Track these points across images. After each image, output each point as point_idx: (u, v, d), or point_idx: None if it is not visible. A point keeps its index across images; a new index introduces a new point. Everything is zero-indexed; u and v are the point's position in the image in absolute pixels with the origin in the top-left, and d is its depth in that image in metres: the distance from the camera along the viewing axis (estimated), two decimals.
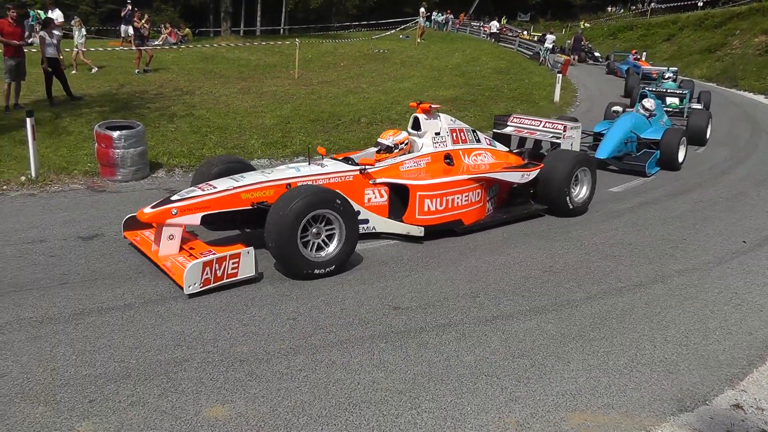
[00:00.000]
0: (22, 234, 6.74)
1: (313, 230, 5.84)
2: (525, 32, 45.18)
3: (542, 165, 8.31)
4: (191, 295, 5.26)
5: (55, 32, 13.44)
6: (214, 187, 6.10)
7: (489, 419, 3.87)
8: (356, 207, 6.47)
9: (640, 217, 8.58)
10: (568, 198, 8.17)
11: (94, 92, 15.04)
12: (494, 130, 10.12)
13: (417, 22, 36.31)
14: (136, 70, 18.04)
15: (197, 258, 5.50)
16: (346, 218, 5.94)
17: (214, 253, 5.55)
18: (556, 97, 20.48)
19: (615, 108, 14.23)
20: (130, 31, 23.13)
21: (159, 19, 36.43)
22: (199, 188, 6.14)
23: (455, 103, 17.34)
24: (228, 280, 5.50)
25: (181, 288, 5.29)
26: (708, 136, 14.78)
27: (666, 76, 20.39)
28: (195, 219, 5.90)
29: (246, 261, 5.58)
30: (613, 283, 6.22)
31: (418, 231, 6.92)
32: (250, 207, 6.08)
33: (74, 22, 18.76)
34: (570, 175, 8.15)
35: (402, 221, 6.95)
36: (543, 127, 9.56)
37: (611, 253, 7.08)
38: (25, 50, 13.15)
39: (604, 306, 5.64)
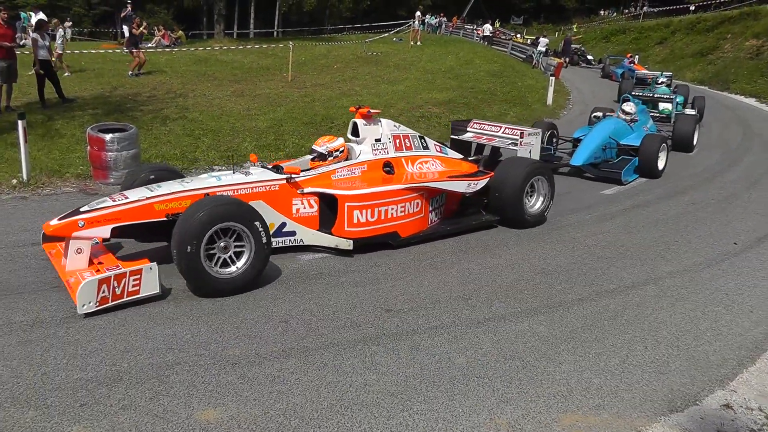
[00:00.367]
0: (14, 237, 6.72)
1: (221, 244, 5.42)
2: (518, 35, 45.29)
3: (492, 174, 7.84)
4: (87, 315, 4.95)
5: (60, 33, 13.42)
6: (126, 198, 5.71)
7: (480, 420, 3.87)
8: (282, 218, 6.33)
9: (632, 220, 8.60)
10: (521, 208, 7.71)
11: (86, 95, 15.01)
12: (452, 137, 9.59)
13: (410, 24, 36.33)
14: (130, 72, 18.00)
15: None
16: (257, 234, 5.50)
17: (115, 269, 5.15)
18: (549, 100, 20.54)
19: (595, 113, 14.02)
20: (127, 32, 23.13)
21: (152, 22, 36.42)
22: (111, 199, 5.76)
23: (448, 105, 17.37)
24: (129, 299, 5.11)
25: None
26: (695, 143, 14.39)
27: (659, 81, 19.90)
28: (104, 231, 5.49)
29: (148, 278, 5.16)
30: (605, 284, 6.23)
31: (347, 244, 6.52)
32: (165, 219, 5.65)
33: (54, 22, 18.67)
34: (523, 184, 7.65)
35: (332, 233, 6.55)
36: (502, 133, 8.97)
37: (603, 255, 7.10)
38: (17, 52, 13.12)
39: (596, 307, 5.66)
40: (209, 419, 3.74)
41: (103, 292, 4.99)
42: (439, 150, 8.02)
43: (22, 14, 28.32)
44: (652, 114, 15.32)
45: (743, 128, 18.09)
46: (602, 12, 64.04)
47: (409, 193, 6.92)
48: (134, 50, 18.16)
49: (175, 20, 44.42)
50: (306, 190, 6.49)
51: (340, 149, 6.97)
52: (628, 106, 12.71)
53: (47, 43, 13.15)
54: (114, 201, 5.68)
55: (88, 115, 12.65)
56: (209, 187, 5.99)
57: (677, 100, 16.90)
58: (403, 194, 6.87)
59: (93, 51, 20.95)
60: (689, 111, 17.40)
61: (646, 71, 26.32)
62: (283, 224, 6.35)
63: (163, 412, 3.77)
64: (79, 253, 5.43)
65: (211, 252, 5.37)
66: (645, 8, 55.42)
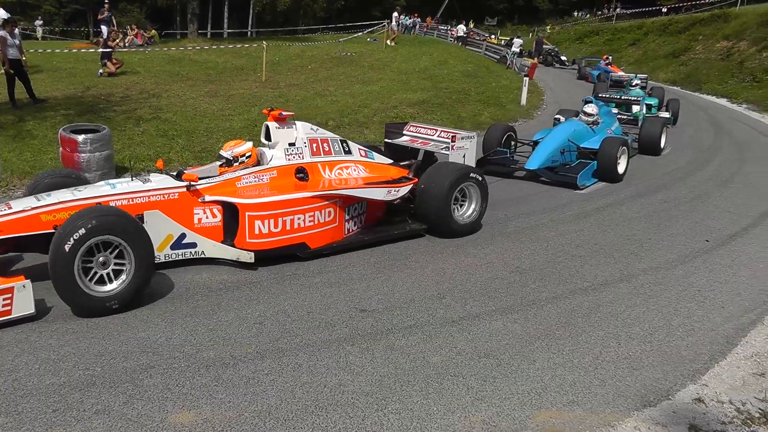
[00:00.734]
0: None
1: (100, 259, 4.98)
2: (492, 36, 45.49)
3: (416, 180, 7.46)
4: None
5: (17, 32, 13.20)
6: (10, 208, 5.31)
7: (455, 419, 3.88)
8: (182, 229, 5.91)
9: (606, 218, 8.67)
10: (449, 216, 7.27)
11: (58, 95, 14.81)
12: (386, 140, 9.07)
13: (384, 25, 36.34)
14: (99, 71, 17.78)
15: None
16: (137, 249, 5.06)
17: None
18: (523, 101, 20.67)
19: (557, 115, 13.68)
20: (106, 34, 22.86)
21: (125, 21, 36.10)
22: None
23: (423, 106, 17.39)
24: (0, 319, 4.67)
25: None
26: (663, 146, 14.02)
27: (633, 83, 19.05)
28: None
29: (21, 297, 4.71)
30: (578, 282, 6.27)
31: (248, 257, 6.04)
32: (53, 230, 5.06)
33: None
34: (450, 190, 7.18)
35: (234, 245, 6.11)
36: (437, 136, 8.54)
37: (577, 254, 7.14)
38: None
39: (569, 305, 5.69)
40: (183, 422, 3.70)
41: None
42: (363, 155, 7.58)
43: None
44: (622, 117, 15.18)
45: (715, 128, 18.33)
46: (576, 13, 64.56)
47: (319, 202, 6.48)
48: (107, 62, 17.90)
49: (148, 19, 44.04)
50: (208, 199, 6.07)
51: (247, 154, 6.55)
52: (590, 108, 12.45)
53: (17, 42, 12.93)
54: None
55: (61, 116, 12.47)
56: (102, 195, 5.61)
57: (645, 102, 16.71)
58: (312, 202, 6.42)
59: (66, 50, 20.67)
60: (663, 114, 17.26)
61: (622, 73, 26.27)
62: (183, 235, 5.93)
63: (137, 416, 3.73)
64: None
65: (89, 266, 4.96)
66: (618, 10, 55.94)
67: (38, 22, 38.80)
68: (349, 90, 19.04)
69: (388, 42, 32.87)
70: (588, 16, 62.03)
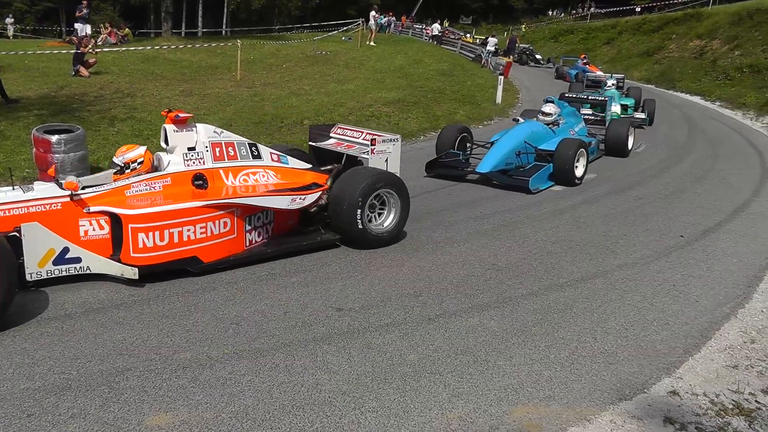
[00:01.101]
0: None
1: None
2: (468, 35, 45.66)
3: (326, 186, 6.98)
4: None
5: None
6: None
7: (432, 416, 3.87)
8: (65, 243, 5.37)
9: (582, 215, 8.72)
10: (362, 225, 6.70)
11: (31, 94, 14.60)
12: (310, 143, 8.51)
13: (359, 24, 36.32)
14: (72, 72, 17.56)
15: None
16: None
17: None
18: (498, 99, 20.76)
19: (516, 116, 13.27)
20: (87, 30, 22.56)
21: (98, 19, 35.74)
22: None
23: (398, 104, 17.39)
24: None
25: None
26: (631, 147, 13.53)
27: (609, 84, 18.56)
28: None
29: None
30: (554, 279, 6.30)
31: (132, 273, 5.48)
32: None
33: None
34: (363, 198, 6.64)
35: (120, 260, 5.56)
36: (362, 139, 7.90)
37: (553, 250, 7.17)
38: None
39: (545, 301, 5.71)
40: (161, 424, 3.66)
41: None
42: (275, 159, 7.03)
43: None
44: (588, 118, 14.63)
45: (689, 125, 18.55)
46: (550, 12, 65.00)
47: (212, 211, 5.91)
48: (80, 67, 17.66)
49: (122, 17, 43.64)
50: (93, 209, 5.56)
51: (139, 160, 6.01)
52: (547, 108, 11.97)
53: None
54: None
55: (34, 116, 12.29)
56: None
57: (619, 102, 16.44)
58: (203, 212, 5.86)
59: (39, 52, 20.40)
60: (639, 114, 17.30)
61: (600, 72, 26.21)
62: (66, 249, 5.38)
63: (114, 420, 3.68)
64: None
65: None
66: (592, 9, 56.42)
67: (9, 20, 38.31)
68: (324, 89, 19.00)
69: (369, 42, 32.83)
70: (563, 15, 62.54)
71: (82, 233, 5.56)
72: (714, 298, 6.01)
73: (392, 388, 4.15)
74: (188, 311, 5.17)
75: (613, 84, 18.50)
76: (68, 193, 5.49)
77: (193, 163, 6.23)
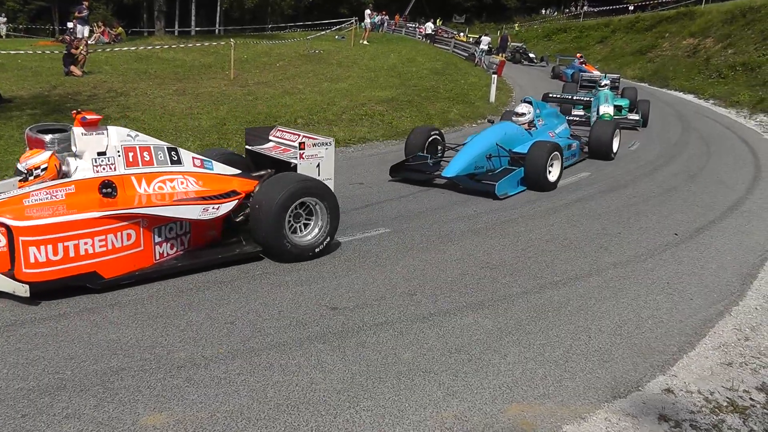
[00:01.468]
0: None
1: None
2: (461, 34, 45.72)
3: (242, 194, 6.42)
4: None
5: None
6: None
7: (427, 414, 3.86)
8: None
9: (576, 213, 8.73)
10: (283, 237, 6.19)
11: (24, 94, 14.58)
12: (246, 147, 7.82)
13: (352, 23, 36.30)
14: (64, 71, 17.51)
15: None
16: None
17: None
18: (492, 98, 20.75)
19: (489, 117, 12.87)
20: (86, 32, 22.47)
21: (91, 18, 35.60)
22: None
23: (391, 103, 17.37)
24: None
25: None
26: (616, 150, 12.96)
27: (603, 83, 17.91)
28: None
29: None
30: (549, 277, 6.30)
31: (23, 290, 4.97)
32: None
33: None
34: (283, 207, 6.11)
35: (14, 276, 5.05)
36: (298, 143, 7.13)
37: (547, 249, 7.18)
38: None
39: (540, 300, 5.71)
40: (155, 424, 3.64)
41: None
42: (198, 165, 6.47)
43: None
44: (573, 119, 14.14)
45: (682, 123, 18.60)
46: (543, 11, 65.12)
47: (113, 222, 5.38)
48: (72, 66, 17.59)
49: (115, 16, 43.50)
50: None
51: (42, 166, 5.55)
52: (521, 108, 11.39)
53: None
54: None
55: (27, 116, 12.27)
56: None
57: (612, 103, 16.05)
58: (103, 224, 5.33)
59: (30, 51, 20.33)
60: (632, 116, 17.06)
61: (596, 72, 25.94)
62: None
63: (108, 420, 3.66)
64: None
65: None
66: (585, 8, 56.56)
67: (2, 19, 38.15)
68: (317, 88, 18.98)
69: (362, 41, 32.83)
70: (556, 13, 62.67)
71: None
72: (708, 295, 6.02)
73: (387, 387, 4.14)
74: (182, 311, 5.14)
75: (607, 84, 18.01)
76: None
77: (103, 169, 5.72)
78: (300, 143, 6.92)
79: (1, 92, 13.42)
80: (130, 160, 5.90)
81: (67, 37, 22.22)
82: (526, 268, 6.51)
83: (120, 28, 30.48)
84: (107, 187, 5.67)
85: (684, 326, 5.31)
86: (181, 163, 6.31)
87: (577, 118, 14.74)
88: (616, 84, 19.83)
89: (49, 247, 5.07)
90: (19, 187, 5.50)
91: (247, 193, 6.48)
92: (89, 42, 23.00)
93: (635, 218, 8.56)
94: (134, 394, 3.93)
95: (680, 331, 5.22)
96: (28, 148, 8.44)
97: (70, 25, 26.08)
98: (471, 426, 3.78)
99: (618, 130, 13.16)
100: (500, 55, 35.21)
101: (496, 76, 21.90)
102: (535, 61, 41.00)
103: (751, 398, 4.33)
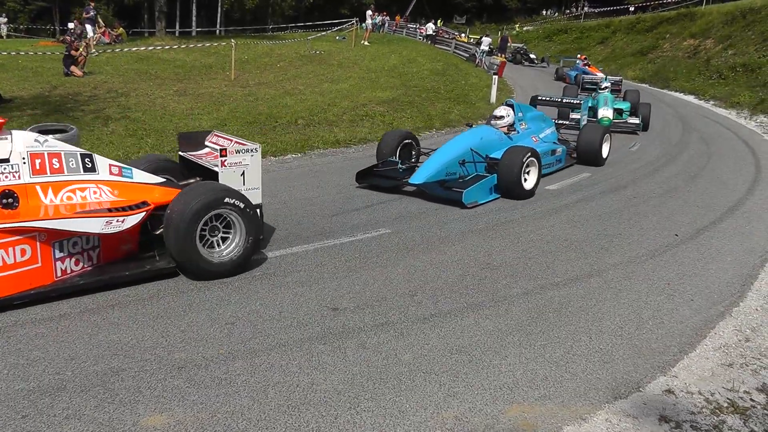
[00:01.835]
0: None
1: None
2: (462, 35, 45.73)
3: (152, 206, 5.84)
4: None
5: None
6: None
7: (428, 415, 3.86)
8: None
9: (576, 214, 8.72)
10: (195, 253, 5.62)
11: (25, 94, 14.59)
12: (180, 153, 7.27)
13: (353, 23, 36.31)
14: (64, 71, 17.51)
15: None
16: None
17: None
18: (493, 98, 20.76)
19: (468, 121, 12.36)
20: (91, 33, 22.47)
21: (83, 18, 35.64)
22: None
23: (392, 104, 17.38)
24: None
25: None
26: (606, 155, 12.38)
27: (603, 86, 17.72)
28: None
29: None
30: (549, 278, 6.29)
31: None
32: None
33: None
34: (194, 220, 5.54)
35: None
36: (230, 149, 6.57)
37: (548, 249, 7.17)
38: None
39: (541, 300, 5.71)
40: (156, 425, 3.64)
41: None
42: (116, 173, 5.95)
43: None
44: (563, 123, 13.65)
45: (683, 123, 18.60)
46: (544, 12, 65.18)
47: (5, 237, 4.92)
48: (73, 68, 17.59)
49: (116, 17, 43.55)
50: None
51: None
52: (500, 111, 10.77)
53: None
54: None
55: (27, 116, 12.28)
56: None
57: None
58: None
59: (32, 53, 20.34)
60: (633, 120, 16.74)
61: (600, 74, 25.49)
62: None
63: (109, 420, 3.66)
64: None
65: None
66: (586, 9, 56.60)
67: (2, 20, 38.21)
68: (318, 88, 18.99)
69: (363, 42, 32.83)
70: (556, 14, 62.73)
71: None
72: (709, 296, 6.02)
73: (387, 388, 4.14)
74: (183, 311, 5.14)
75: (607, 86, 17.75)
76: None
77: (6, 177, 5.24)
78: (221, 149, 6.30)
79: (1, 92, 13.42)
80: (37, 167, 5.43)
81: (67, 37, 22.22)
82: (527, 269, 6.50)
83: (121, 28, 30.52)
84: (7, 197, 5.21)
85: (685, 327, 5.31)
86: (95, 171, 5.82)
87: (575, 122, 14.08)
88: (619, 86, 19.56)
89: None
90: None
91: (166, 204, 5.88)
92: (94, 43, 23.03)
93: (636, 219, 8.55)
94: (135, 394, 3.93)
95: (681, 332, 5.22)
96: None
97: (71, 25, 26.09)
98: (471, 427, 3.78)
99: (608, 134, 12.55)
100: (501, 55, 35.25)
101: (496, 76, 21.90)
102: (536, 61, 41.01)
103: (751, 399, 4.33)
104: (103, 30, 27.63)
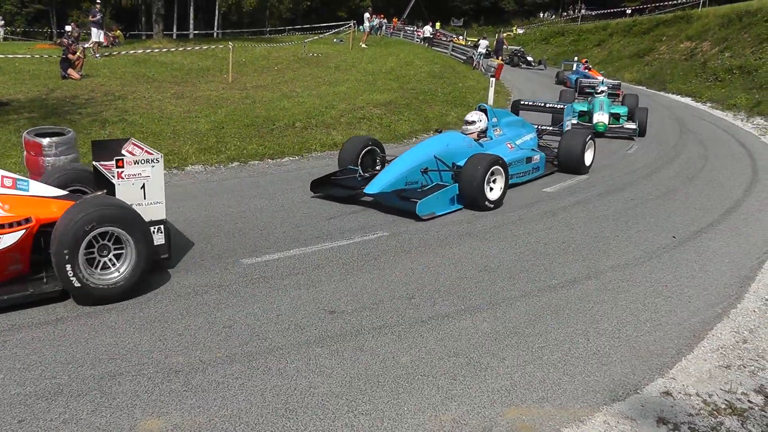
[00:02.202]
0: None
1: None
2: (460, 37, 45.79)
3: (34, 223, 5.19)
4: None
5: None
6: None
7: (425, 418, 3.86)
8: None
9: (574, 216, 8.72)
10: (76, 276, 4.98)
11: (22, 97, 14.55)
12: (94, 162, 6.55)
13: (351, 26, 36.33)
14: (63, 73, 17.49)
15: None
16: None
17: None
18: (490, 101, 20.70)
19: (438, 128, 11.81)
20: (100, 36, 22.45)
21: (89, 21, 35.64)
22: None
23: (389, 106, 17.37)
24: None
25: None
26: (589, 164, 11.77)
27: (599, 90, 17.24)
28: None
29: None
30: (547, 280, 6.30)
31: None
32: None
33: None
34: (77, 237, 4.95)
35: None
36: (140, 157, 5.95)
37: (545, 252, 7.17)
38: None
39: (538, 303, 5.71)
40: (153, 429, 3.64)
41: None
42: (9, 185, 5.43)
43: None
44: (546, 128, 12.85)
45: (680, 125, 18.63)
46: (541, 14, 65.31)
47: None
48: (71, 70, 17.56)
49: (113, 19, 43.58)
50: None
51: None
52: (471, 116, 10.23)
53: None
54: None
55: (24, 119, 12.26)
56: None
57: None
58: None
59: (29, 56, 20.33)
60: (629, 125, 16.48)
61: (601, 77, 24.30)
62: None
63: (106, 425, 3.65)
64: None
65: None
66: (583, 11, 56.71)
67: None
68: (315, 91, 18.98)
69: (361, 44, 32.86)
70: (553, 17, 62.83)
71: None
72: (706, 298, 6.03)
73: (385, 391, 4.14)
74: (180, 315, 5.13)
75: (603, 90, 17.33)
76: None
77: None
78: (117, 160, 5.61)
79: None
80: None
81: (64, 40, 22.20)
82: (524, 271, 6.51)
83: (118, 31, 30.53)
84: None
85: (682, 329, 5.32)
86: None
87: (559, 129, 13.14)
88: (618, 90, 19.17)
89: None
90: None
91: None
92: (96, 44, 23.00)
93: (633, 221, 8.56)
94: (132, 398, 3.92)
95: (678, 333, 5.23)
96: (25, 152, 8.47)
97: (68, 28, 26.06)
98: (469, 429, 3.78)
99: (592, 141, 11.80)
100: (498, 58, 35.29)
101: (494, 79, 21.89)
102: (533, 64, 41.08)
103: (749, 401, 4.33)
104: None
